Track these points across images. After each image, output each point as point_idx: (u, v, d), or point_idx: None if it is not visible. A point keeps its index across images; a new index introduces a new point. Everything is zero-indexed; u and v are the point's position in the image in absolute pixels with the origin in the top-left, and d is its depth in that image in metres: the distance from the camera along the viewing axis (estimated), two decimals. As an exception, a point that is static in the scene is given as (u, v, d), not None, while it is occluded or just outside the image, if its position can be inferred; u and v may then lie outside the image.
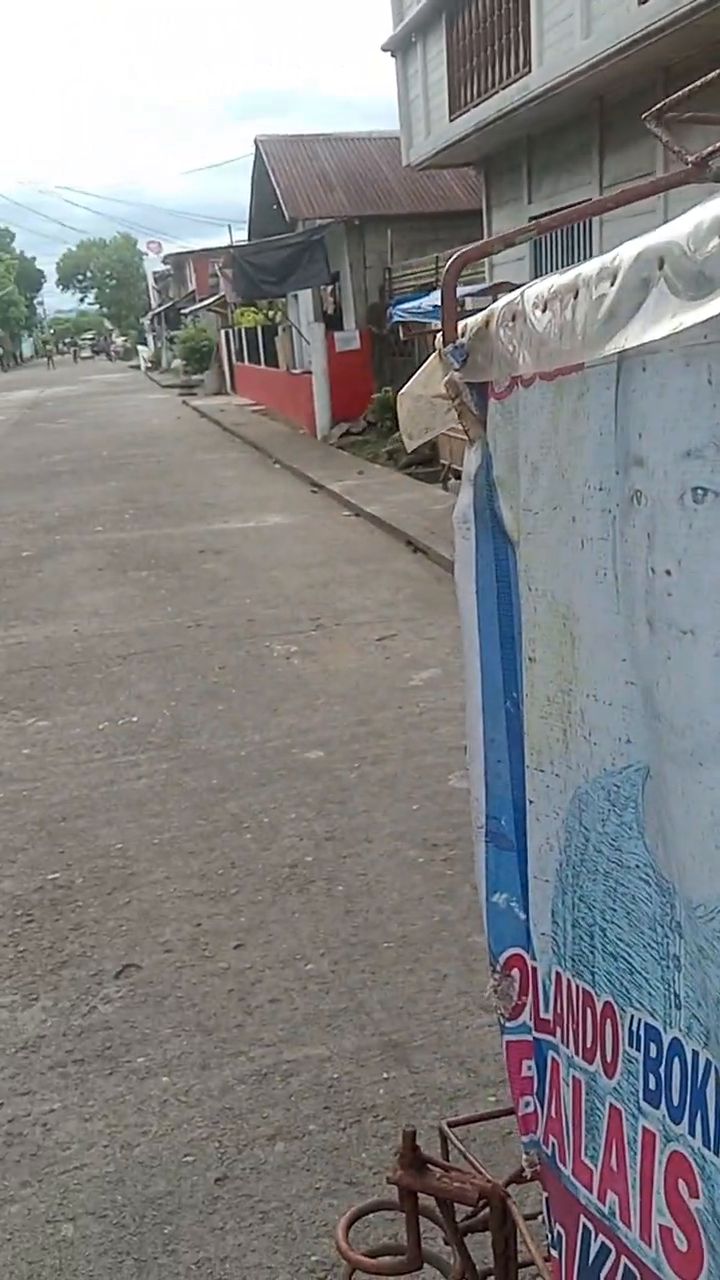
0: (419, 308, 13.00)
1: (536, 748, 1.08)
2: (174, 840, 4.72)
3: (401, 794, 4.98)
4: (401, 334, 15.99)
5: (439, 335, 1.19)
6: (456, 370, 1.10)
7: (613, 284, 0.81)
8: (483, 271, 13.23)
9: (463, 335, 1.11)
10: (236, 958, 3.83)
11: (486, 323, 1.06)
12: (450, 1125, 1.71)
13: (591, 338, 0.83)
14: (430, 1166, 1.56)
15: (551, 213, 11.02)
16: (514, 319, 1.00)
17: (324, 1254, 2.62)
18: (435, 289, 14.80)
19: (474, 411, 1.11)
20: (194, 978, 3.73)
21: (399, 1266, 1.55)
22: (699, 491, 0.76)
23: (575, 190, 10.69)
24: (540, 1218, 1.64)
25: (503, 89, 10.37)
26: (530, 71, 9.70)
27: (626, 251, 0.81)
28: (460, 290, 12.94)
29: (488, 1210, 1.57)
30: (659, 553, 0.81)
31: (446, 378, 1.11)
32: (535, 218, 11.81)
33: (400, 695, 6.25)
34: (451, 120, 11.93)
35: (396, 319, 14.72)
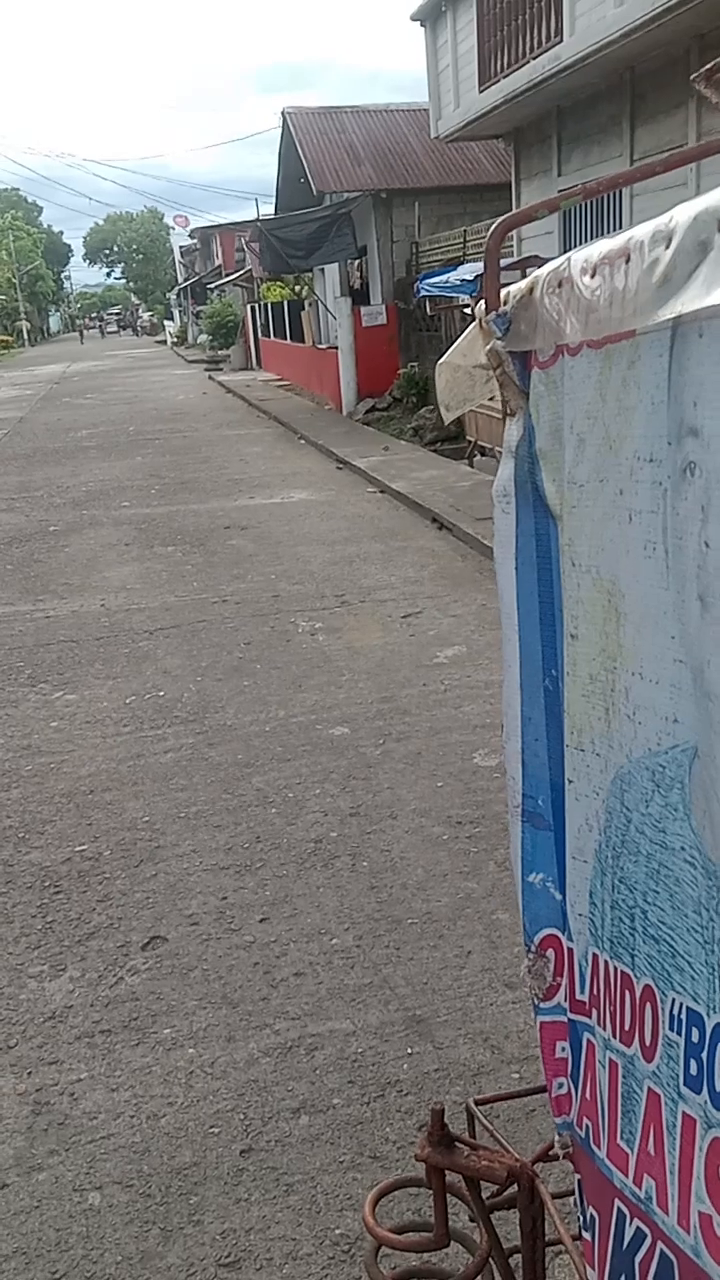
0: (446, 282, 12.87)
1: (577, 726, 1.06)
2: (200, 814, 4.74)
3: (426, 771, 4.98)
4: (429, 309, 15.85)
5: (479, 304, 1.16)
6: (499, 339, 1.07)
7: (668, 247, 0.78)
8: (511, 245, 13.07)
9: (505, 303, 1.08)
10: (262, 931, 3.84)
11: (531, 290, 1.03)
12: (477, 1103, 1.70)
13: (644, 303, 0.81)
14: (458, 1144, 1.55)
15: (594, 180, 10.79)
16: (560, 285, 0.97)
17: (348, 1227, 2.63)
18: (463, 263, 14.68)
19: (516, 382, 1.08)
20: (220, 950, 3.75)
21: (426, 1244, 1.55)
22: (757, 463, 0.73)
23: (606, 163, 10.52)
24: (569, 1197, 1.64)
25: (533, 59, 10.18)
26: (562, 40, 9.51)
27: (682, 213, 0.78)
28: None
29: (515, 1188, 1.57)
30: (714, 526, 0.78)
31: (489, 346, 1.08)
32: (565, 190, 11.64)
33: (425, 672, 6.24)
34: (481, 91, 11.74)
35: (423, 293, 14.58)
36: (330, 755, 5.22)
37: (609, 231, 10.77)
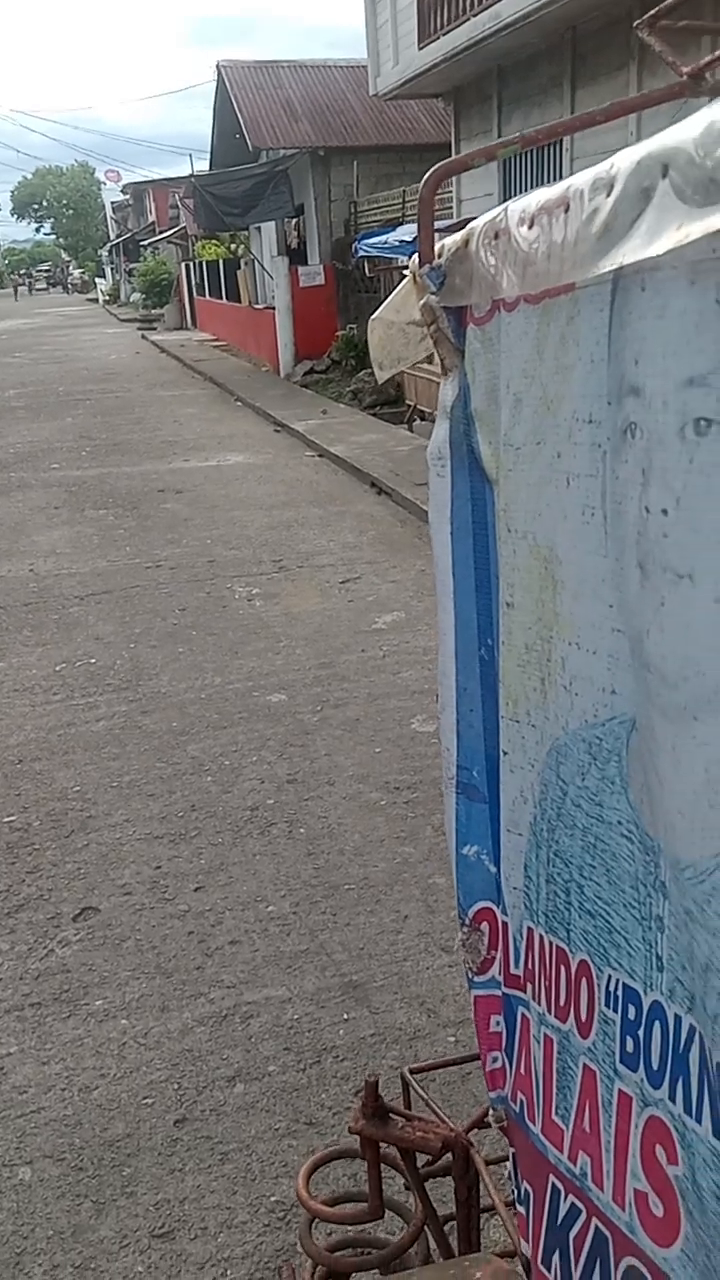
0: (385, 243, 12.71)
1: (512, 697, 1.03)
2: (133, 783, 4.67)
3: (364, 737, 4.96)
4: (367, 270, 15.67)
5: (413, 260, 1.11)
6: (433, 294, 1.02)
7: (608, 194, 0.74)
8: (450, 208, 12.95)
9: (440, 256, 1.03)
10: (196, 900, 3.81)
11: (466, 242, 0.99)
12: (412, 1072, 1.69)
13: (583, 255, 0.77)
14: (392, 1115, 1.54)
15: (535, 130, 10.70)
16: (496, 237, 0.93)
17: (283, 1194, 2.63)
18: (402, 224, 14.50)
19: (451, 339, 1.04)
20: (153, 920, 3.70)
21: (360, 1216, 1.54)
22: (702, 423, 0.70)
23: (546, 124, 10.44)
24: (503, 1164, 1.64)
25: (474, 16, 10.02)
26: (502, -2, 9.39)
27: (624, 159, 0.73)
28: (427, 225, 12.68)
29: (450, 1157, 1.56)
30: (655, 490, 0.75)
31: (422, 301, 1.04)
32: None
33: (363, 638, 6.21)
34: (421, 48, 11.54)
35: (362, 254, 14.40)
36: (267, 722, 5.18)
37: (549, 177, 10.69)
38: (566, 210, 0.81)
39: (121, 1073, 3.04)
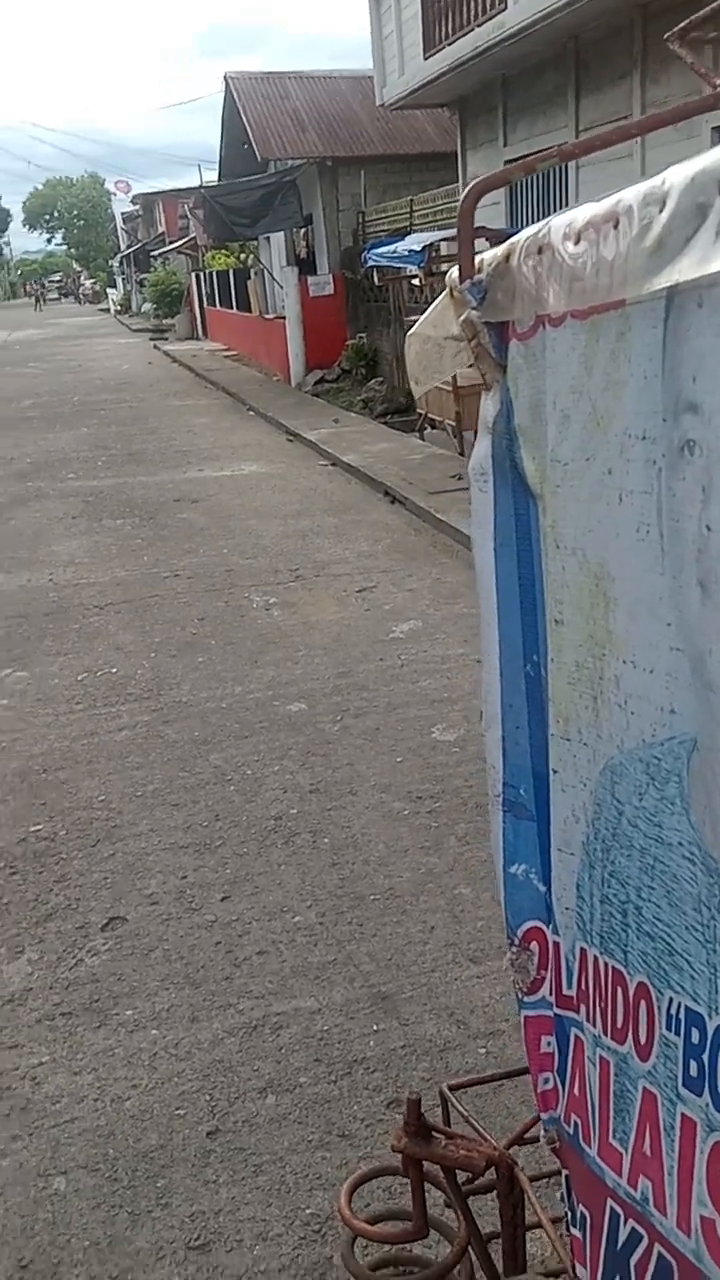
0: (394, 252, 12.72)
1: (563, 715, 1.02)
2: (157, 792, 4.67)
3: (385, 746, 4.95)
4: (376, 279, 15.67)
5: (452, 271, 1.11)
6: (474, 309, 1.02)
7: (661, 210, 0.73)
8: (456, 210, 12.92)
9: (480, 271, 1.03)
10: (223, 910, 3.80)
11: (507, 256, 0.98)
12: (451, 1088, 1.68)
13: (635, 271, 0.76)
14: (434, 1133, 1.53)
15: (528, 155, 10.71)
16: (540, 252, 0.92)
17: (318, 1207, 2.62)
18: (410, 233, 14.50)
19: (493, 354, 1.03)
20: (181, 930, 3.71)
21: (405, 1235, 1.53)
22: (765, 441, 0.69)
23: (551, 134, 10.43)
24: (545, 1180, 1.62)
25: (478, 26, 10.03)
26: (506, 8, 9.38)
27: (676, 174, 0.73)
28: (433, 235, 12.60)
29: (492, 1174, 1.55)
30: (716, 507, 0.74)
31: (463, 317, 1.03)
32: (510, 161, 11.51)
33: (381, 647, 6.20)
34: (426, 59, 11.55)
35: (371, 263, 14.41)
36: (288, 732, 5.18)
37: (557, 203, 10.70)
38: (616, 226, 0.80)
39: (153, 1083, 3.04)
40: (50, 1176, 2.76)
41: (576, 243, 0.86)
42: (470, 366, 1.10)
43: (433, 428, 12.40)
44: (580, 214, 0.87)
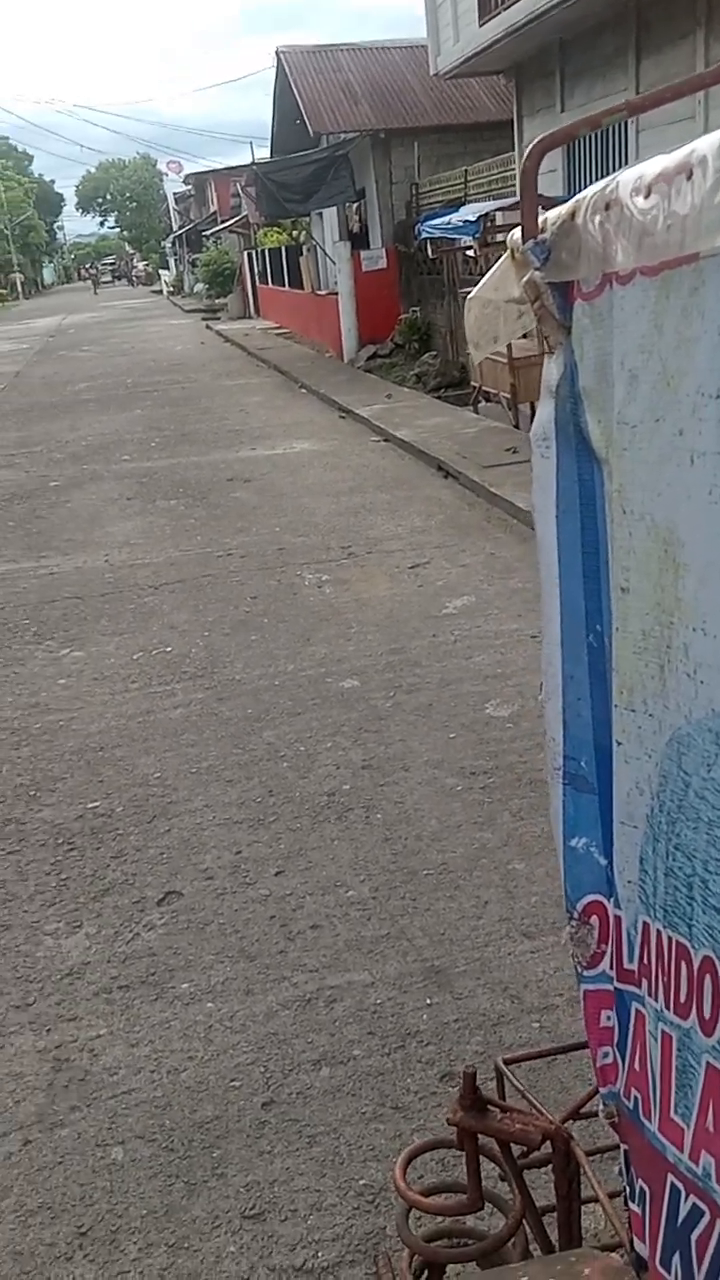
0: (448, 224, 12.58)
1: (628, 685, 1.00)
2: (212, 769, 4.71)
3: (438, 722, 4.94)
4: (430, 251, 15.52)
5: (513, 235, 1.08)
6: (538, 269, 0.99)
7: (737, 160, 0.70)
8: (512, 186, 12.75)
9: (544, 230, 1.00)
10: (277, 884, 3.83)
11: (573, 214, 0.96)
12: (507, 1063, 1.68)
13: (710, 224, 0.73)
14: (490, 1107, 1.52)
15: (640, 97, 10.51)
16: (608, 208, 0.90)
17: (371, 1178, 2.64)
18: (465, 204, 14.34)
19: (556, 315, 1.01)
20: (235, 904, 3.74)
21: (460, 1207, 1.53)
22: None
23: (610, 97, 10.20)
24: (601, 1154, 1.61)
25: (536, -12, 9.84)
26: (566, -32, 9.19)
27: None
28: (488, 205, 12.40)
29: (548, 1148, 1.54)
30: None
31: (525, 278, 1.01)
32: (575, 120, 11.29)
33: (434, 623, 6.18)
34: (481, 25, 11.36)
35: (425, 236, 14.27)
36: (341, 708, 5.18)
37: (615, 167, 10.48)
38: (689, 178, 0.77)
39: (209, 1055, 3.07)
40: (108, 1146, 2.81)
41: (647, 196, 0.83)
42: (525, 337, 1.08)
43: (487, 400, 12.29)
44: (651, 167, 0.84)
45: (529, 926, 3.47)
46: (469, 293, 1.23)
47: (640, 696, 0.98)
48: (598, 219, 0.91)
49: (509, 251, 1.07)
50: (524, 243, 1.00)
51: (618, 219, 0.88)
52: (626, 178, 0.88)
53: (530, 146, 1.01)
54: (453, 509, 8.79)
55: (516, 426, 10.96)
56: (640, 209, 0.84)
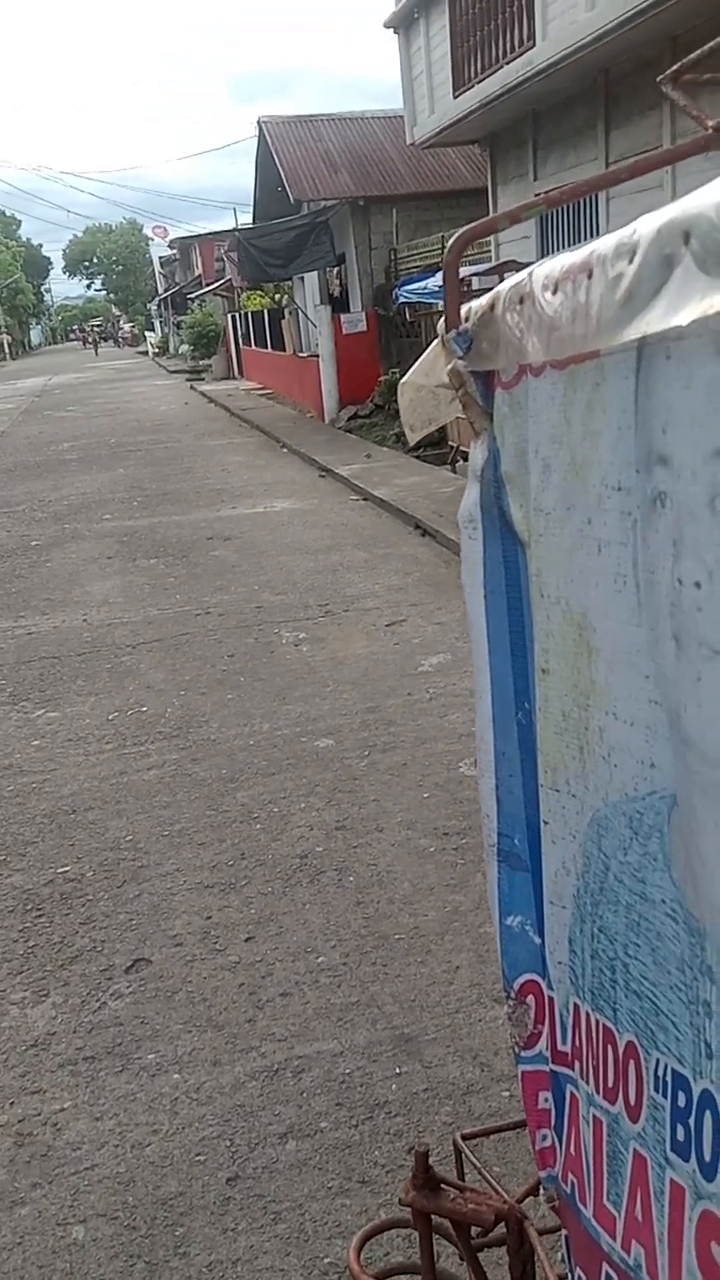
0: (425, 288, 12.87)
1: (551, 765, 1.01)
2: (184, 831, 4.67)
3: (412, 782, 4.93)
4: (408, 315, 15.83)
5: (439, 324, 1.11)
6: (460, 358, 1.02)
7: (631, 262, 0.73)
8: (489, 251, 13.05)
9: (467, 320, 1.03)
10: (247, 951, 3.78)
11: (491, 306, 0.98)
12: (465, 1138, 1.65)
13: (608, 322, 0.76)
14: (444, 1186, 1.50)
15: (558, 188, 10.83)
16: (521, 302, 0.92)
17: (337, 1255, 2.58)
18: (441, 269, 14.63)
19: (479, 402, 1.03)
20: (205, 972, 3.69)
21: (413, 1290, 1.49)
22: (733, 496, 0.68)
23: (582, 166, 10.53)
24: (557, 1232, 1.58)
25: (507, 64, 10.17)
26: (535, 45, 9.51)
27: (646, 225, 0.73)
28: (465, 270, 12.73)
29: (503, 1226, 1.52)
30: (687, 562, 0.73)
31: (450, 366, 1.03)
32: (542, 195, 11.62)
33: (410, 681, 6.19)
34: (456, 97, 11.73)
35: (402, 300, 14.56)
36: (315, 768, 5.17)
37: (588, 236, 10.76)
38: (590, 276, 0.80)
39: (174, 1129, 3.01)
40: (69, 1225, 2.73)
41: (554, 292, 0.86)
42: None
43: (464, 460, 12.44)
44: (559, 263, 0.87)
45: (499, 992, 3.40)
46: (406, 375, 1.26)
47: (563, 776, 0.99)
48: (514, 312, 0.93)
49: (439, 338, 1.10)
50: (448, 331, 1.03)
51: (530, 313, 0.90)
52: (539, 272, 0.91)
53: (451, 240, 1.05)
54: (429, 567, 8.85)
55: (494, 485, 11.08)
56: (549, 304, 0.87)
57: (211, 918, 4.01)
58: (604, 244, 0.80)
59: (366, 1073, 3.15)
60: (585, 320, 0.80)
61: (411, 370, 1.21)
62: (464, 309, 1.03)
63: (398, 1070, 3.15)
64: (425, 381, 1.16)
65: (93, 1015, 3.52)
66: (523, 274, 0.94)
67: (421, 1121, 2.95)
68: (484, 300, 1.00)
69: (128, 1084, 3.20)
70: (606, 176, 1.04)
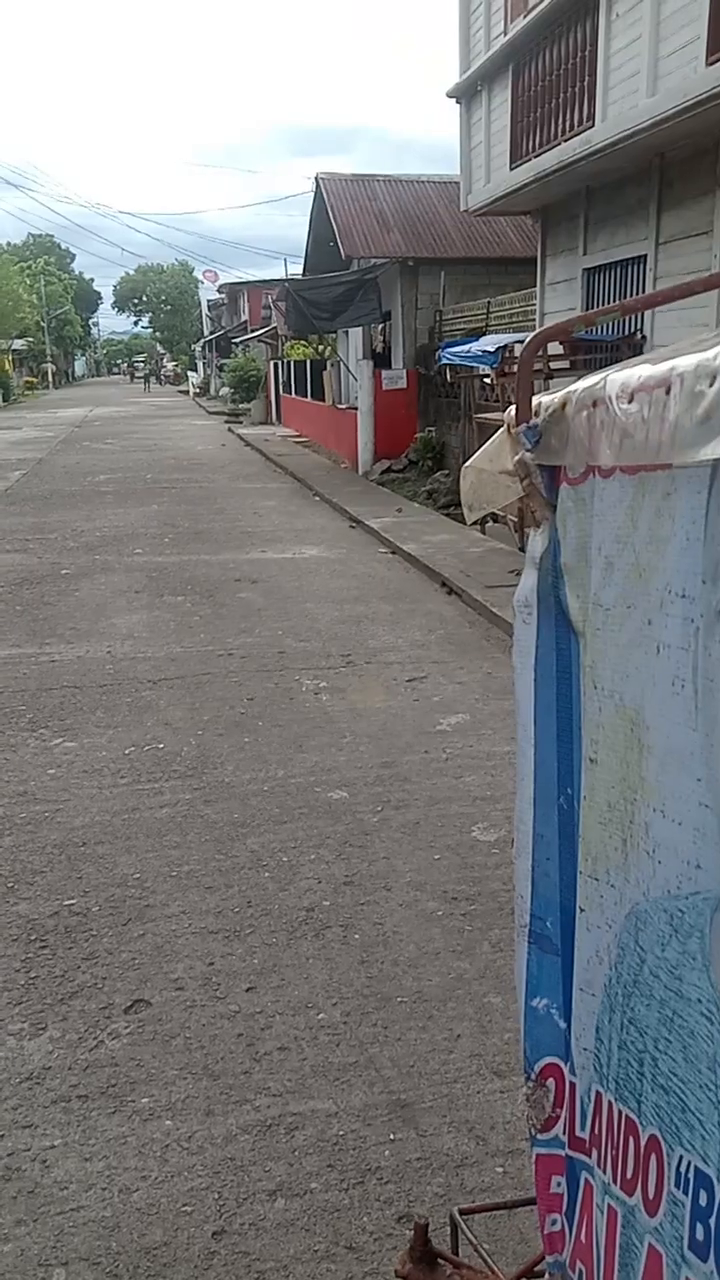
0: (468, 351, 13.03)
1: (592, 854, 1.03)
2: (192, 874, 4.67)
3: (423, 842, 4.91)
4: (448, 376, 16.04)
5: (508, 412, 1.15)
6: (528, 451, 1.06)
7: (712, 384, 0.77)
8: (534, 319, 13.26)
9: (537, 414, 1.07)
10: (248, 1001, 3.76)
11: (564, 405, 1.02)
12: (462, 1213, 1.64)
13: (685, 439, 0.79)
14: (440, 1261, 1.49)
15: (607, 264, 11.08)
16: (595, 405, 0.96)
17: (319, 1324, 2.54)
18: (485, 333, 14.88)
19: (543, 494, 1.07)
20: (204, 1018, 3.67)
21: None
22: None
23: (631, 244, 10.72)
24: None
25: (565, 141, 10.42)
26: (593, 126, 9.74)
27: (726, 352, 0.76)
28: (508, 337, 12.87)
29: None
30: (748, 676, 0.76)
31: (517, 458, 1.07)
32: (590, 269, 11.82)
33: (427, 739, 6.19)
34: (512, 169, 12.00)
35: (444, 361, 14.76)
36: (327, 820, 5.16)
37: (631, 294, 10.93)
38: (668, 392, 0.83)
39: (163, 1176, 2.98)
40: (51, 1267, 2.70)
41: (630, 401, 0.90)
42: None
43: (495, 521, 12.52)
44: (636, 374, 0.91)
45: (500, 1064, 3.40)
46: (484, 418, 1.30)
47: (604, 866, 1.00)
48: (585, 414, 0.97)
49: (505, 427, 1.14)
50: (517, 425, 1.07)
51: (603, 418, 0.94)
52: (615, 379, 0.95)
53: (528, 340, 1.09)
54: (453, 625, 8.89)
55: (522, 549, 11.13)
56: (624, 411, 0.91)
57: (214, 964, 3.99)
58: (685, 363, 0.83)
59: (360, 1136, 3.12)
60: (660, 433, 0.84)
61: (476, 455, 1.25)
62: (535, 402, 1.07)
63: (392, 1136, 3.12)
64: (489, 467, 1.20)
65: (89, 1053, 3.50)
66: (596, 378, 0.98)
67: (413, 1191, 2.91)
68: (556, 398, 1.04)
69: (119, 1126, 3.18)
70: (680, 288, 1.08)
